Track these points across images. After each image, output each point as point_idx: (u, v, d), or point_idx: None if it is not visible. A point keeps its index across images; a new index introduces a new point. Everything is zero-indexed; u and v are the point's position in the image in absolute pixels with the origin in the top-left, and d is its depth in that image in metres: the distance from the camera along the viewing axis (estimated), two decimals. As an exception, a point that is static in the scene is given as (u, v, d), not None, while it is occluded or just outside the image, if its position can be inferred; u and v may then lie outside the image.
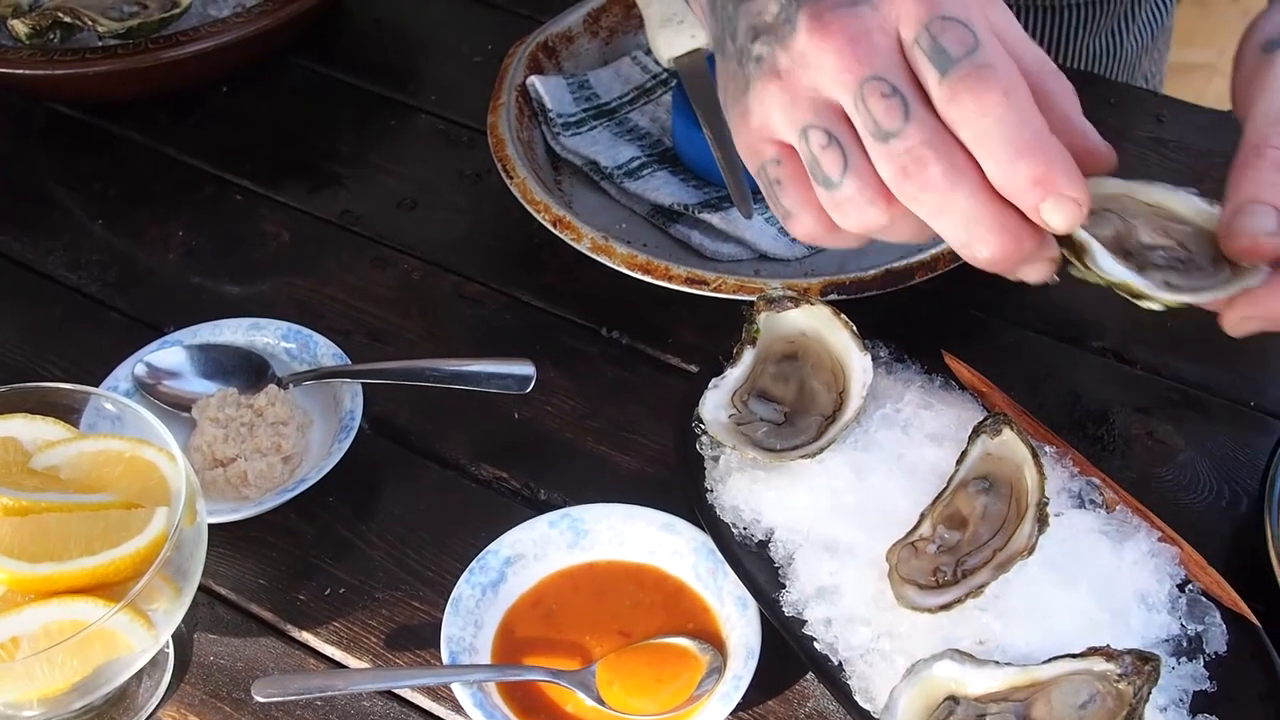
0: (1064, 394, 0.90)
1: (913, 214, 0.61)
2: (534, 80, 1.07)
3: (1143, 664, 0.64)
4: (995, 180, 0.59)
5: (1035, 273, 0.63)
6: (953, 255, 0.88)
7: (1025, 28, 1.22)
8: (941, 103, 0.59)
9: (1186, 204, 0.67)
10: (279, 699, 0.76)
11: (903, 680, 0.68)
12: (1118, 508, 0.77)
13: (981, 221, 0.60)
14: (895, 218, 0.62)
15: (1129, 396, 0.90)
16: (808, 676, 0.77)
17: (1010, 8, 1.20)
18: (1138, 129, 1.10)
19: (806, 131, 0.62)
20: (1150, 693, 0.64)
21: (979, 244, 0.61)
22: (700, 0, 0.71)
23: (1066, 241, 0.64)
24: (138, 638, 0.70)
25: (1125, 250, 0.66)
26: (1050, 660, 0.67)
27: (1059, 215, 0.59)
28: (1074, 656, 0.66)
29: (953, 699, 0.67)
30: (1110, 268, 0.63)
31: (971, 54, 0.58)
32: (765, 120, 0.64)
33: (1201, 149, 1.07)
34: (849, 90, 0.60)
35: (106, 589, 0.70)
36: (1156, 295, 0.63)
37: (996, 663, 0.67)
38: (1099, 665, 0.65)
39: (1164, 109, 1.12)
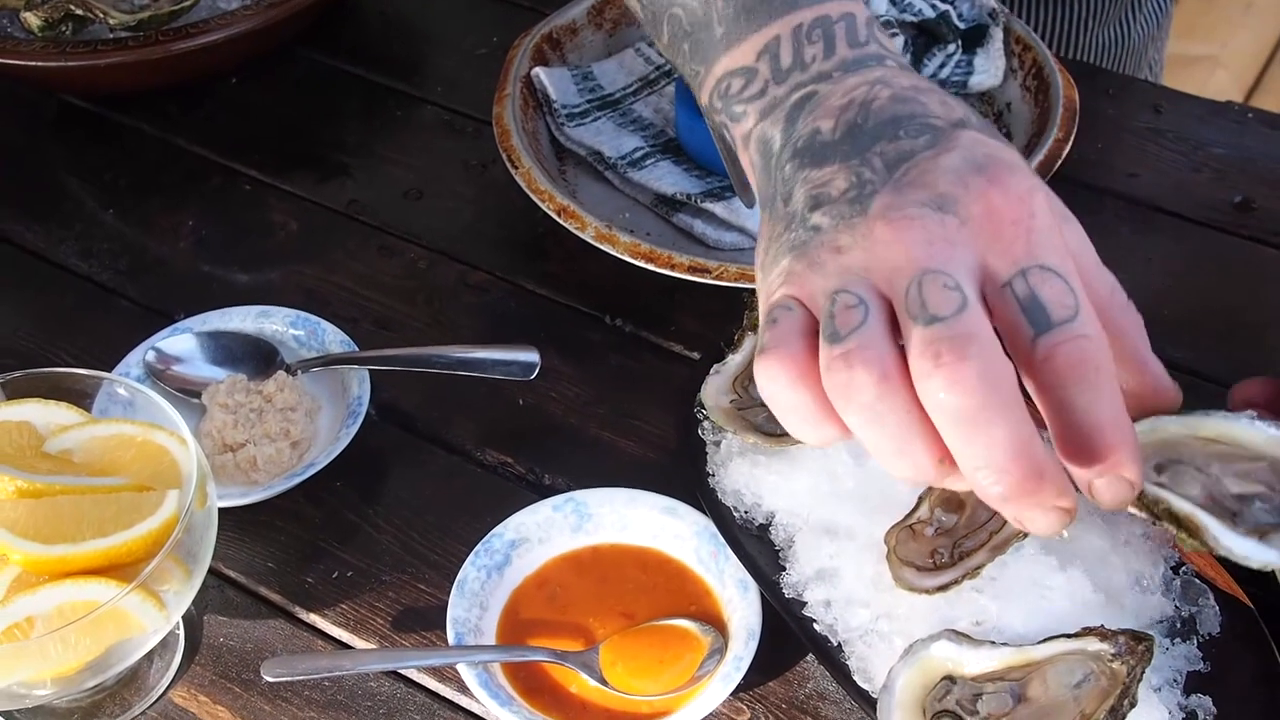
0: (1062, 381, 0.91)
1: (904, 412, 0.54)
2: (538, 72, 1.08)
3: (1136, 644, 0.65)
4: (1058, 435, 0.55)
5: (1045, 523, 0.55)
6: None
7: (1031, 21, 1.24)
8: (1032, 362, 0.55)
9: (1250, 433, 0.66)
10: (288, 679, 0.77)
11: (900, 660, 0.69)
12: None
13: (1007, 448, 0.53)
14: (883, 402, 0.54)
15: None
16: (808, 658, 0.78)
17: (1014, 0, 1.22)
18: (1136, 119, 1.11)
19: (837, 294, 0.56)
20: (1144, 672, 0.65)
21: (995, 474, 0.53)
22: (750, 154, 0.68)
23: (1172, 517, 0.63)
24: (149, 618, 0.71)
25: (1224, 508, 0.65)
26: (1045, 640, 0.67)
27: (1111, 493, 0.55)
28: (1069, 637, 0.67)
29: (949, 679, 0.68)
30: (1236, 546, 0.62)
31: (1071, 321, 0.54)
32: (801, 282, 0.59)
33: (1199, 139, 1.08)
34: (905, 277, 0.55)
35: (119, 570, 0.72)
36: None
37: (993, 643, 0.68)
38: (1093, 645, 0.66)
39: (1162, 99, 1.12)
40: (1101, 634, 0.66)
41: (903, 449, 0.55)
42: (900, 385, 0.54)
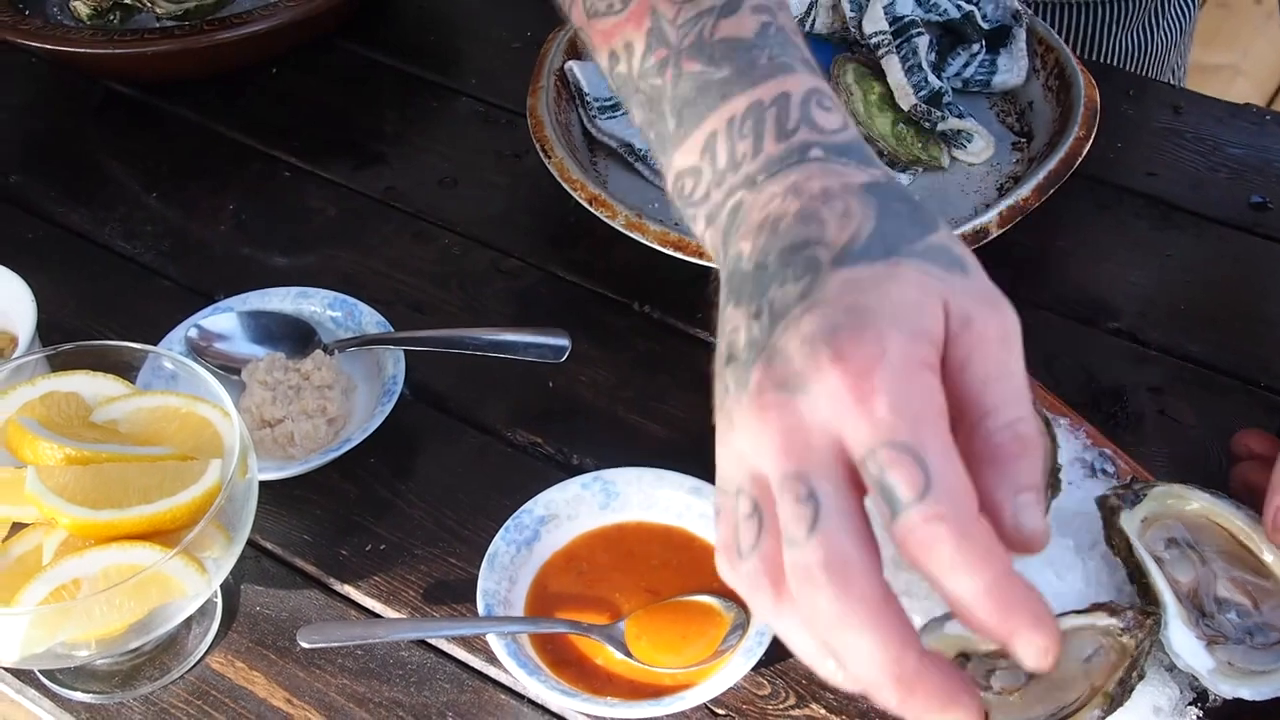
0: (1079, 372, 0.92)
1: (796, 629, 0.54)
2: (572, 65, 1.10)
3: (1145, 618, 0.67)
4: (950, 606, 0.52)
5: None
6: (973, 238, 0.91)
7: (1057, 26, 1.26)
8: (897, 541, 0.52)
9: (1268, 546, 0.71)
10: (322, 645, 0.79)
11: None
12: (1129, 477, 0.79)
13: (873, 662, 0.50)
14: (780, 621, 0.54)
15: (1143, 376, 0.92)
16: (827, 635, 0.80)
17: (1039, 4, 1.23)
18: (1155, 120, 1.12)
19: (738, 495, 0.55)
20: (1152, 646, 0.67)
21: (873, 688, 0.51)
22: (708, 251, 0.65)
23: (1144, 588, 0.67)
24: (191, 582, 0.73)
25: (1198, 604, 0.69)
26: (1057, 616, 0.69)
27: (1030, 660, 0.51)
28: (1079, 612, 0.69)
29: (964, 655, 0.70)
30: (1176, 639, 0.67)
31: (920, 500, 0.50)
32: (721, 455, 0.57)
33: (1217, 139, 1.09)
34: (774, 481, 0.54)
35: (162, 536, 0.74)
36: (1216, 689, 0.67)
37: (1007, 619, 0.70)
38: (1103, 620, 0.68)
39: (1180, 100, 1.14)
40: (1111, 609, 0.68)
41: (805, 656, 0.54)
42: (791, 599, 0.53)
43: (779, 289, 0.56)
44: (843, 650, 0.51)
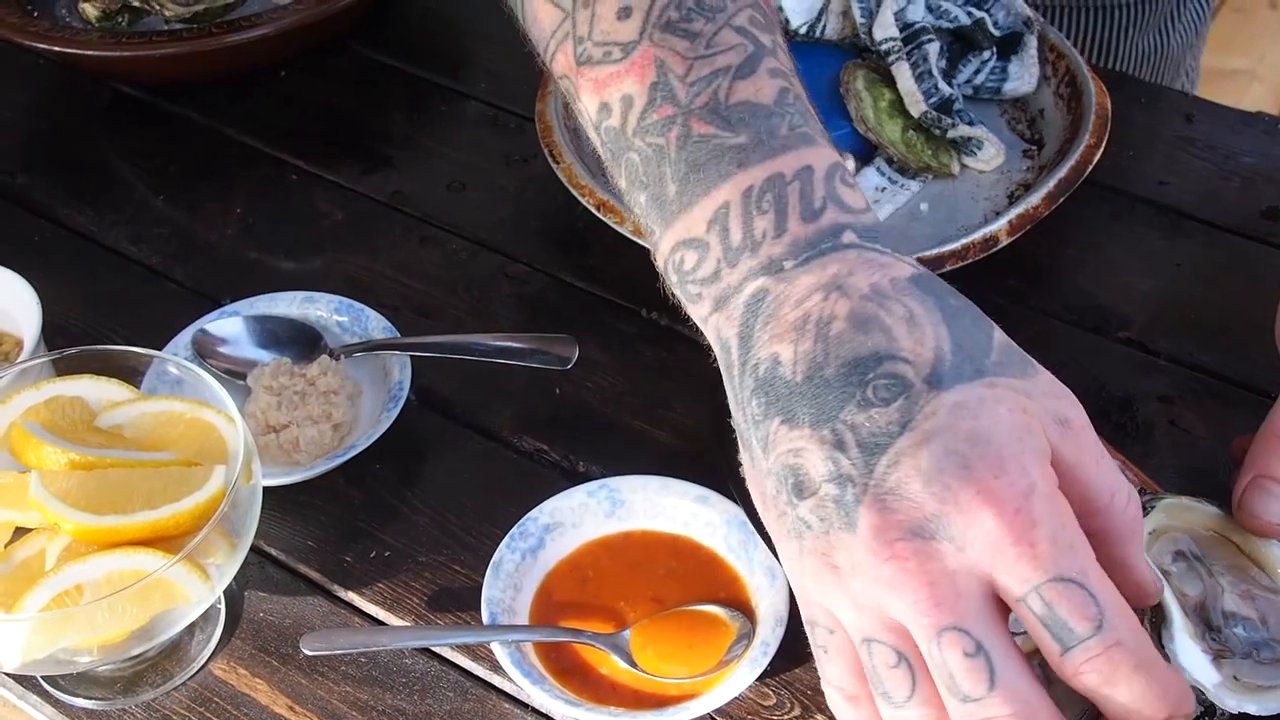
0: (1089, 382, 0.92)
1: None
2: (581, 70, 1.09)
3: (1151, 631, 0.67)
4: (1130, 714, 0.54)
5: None
6: (983, 245, 0.90)
7: (1073, 30, 1.26)
8: (1065, 672, 0.53)
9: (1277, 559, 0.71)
10: (326, 653, 0.78)
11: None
12: (1138, 489, 0.79)
13: None
14: None
15: (1153, 386, 0.92)
16: (833, 646, 0.79)
17: (1055, 8, 1.23)
18: (1167, 128, 1.11)
19: (870, 644, 0.54)
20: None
21: None
22: (710, 340, 0.62)
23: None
24: (194, 589, 0.73)
25: (1205, 619, 0.69)
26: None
27: None
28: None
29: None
30: (1182, 653, 0.66)
31: (1096, 633, 0.52)
32: (820, 592, 0.56)
33: (1229, 148, 1.09)
34: (921, 631, 0.53)
35: (166, 542, 0.73)
36: (1222, 704, 0.66)
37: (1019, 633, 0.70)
38: None
39: (1193, 108, 1.13)
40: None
41: None
42: None
43: (860, 413, 0.53)
44: None
